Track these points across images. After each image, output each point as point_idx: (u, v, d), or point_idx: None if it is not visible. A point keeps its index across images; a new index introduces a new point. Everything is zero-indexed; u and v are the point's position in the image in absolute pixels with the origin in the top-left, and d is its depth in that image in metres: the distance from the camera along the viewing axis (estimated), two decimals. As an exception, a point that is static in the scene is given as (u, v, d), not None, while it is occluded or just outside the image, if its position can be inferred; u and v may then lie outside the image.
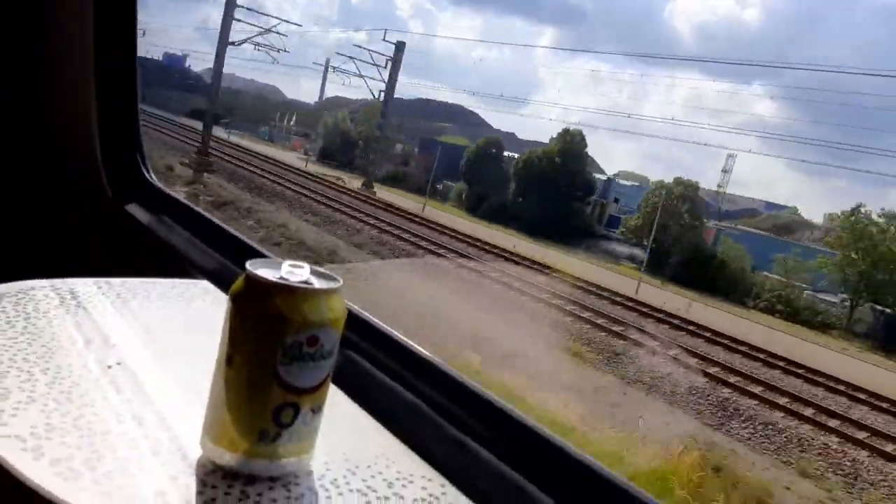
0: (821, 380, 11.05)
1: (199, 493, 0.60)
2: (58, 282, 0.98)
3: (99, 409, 0.69)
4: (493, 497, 0.68)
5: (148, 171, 1.46)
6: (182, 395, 0.76)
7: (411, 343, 0.88)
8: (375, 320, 0.91)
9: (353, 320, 0.83)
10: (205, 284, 1.10)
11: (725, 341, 12.24)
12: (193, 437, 0.66)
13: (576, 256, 20.54)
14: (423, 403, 0.81)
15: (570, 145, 24.51)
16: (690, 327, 12.74)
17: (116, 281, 1.03)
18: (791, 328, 17.40)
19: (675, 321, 13.02)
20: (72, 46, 1.47)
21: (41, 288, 0.95)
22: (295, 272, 0.64)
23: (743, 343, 12.27)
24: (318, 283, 0.63)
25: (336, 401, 0.73)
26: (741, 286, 20.43)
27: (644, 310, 13.57)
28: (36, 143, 1.52)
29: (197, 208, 1.31)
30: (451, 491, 0.68)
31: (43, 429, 0.64)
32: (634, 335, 11.33)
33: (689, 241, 21.27)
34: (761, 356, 11.73)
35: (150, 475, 0.61)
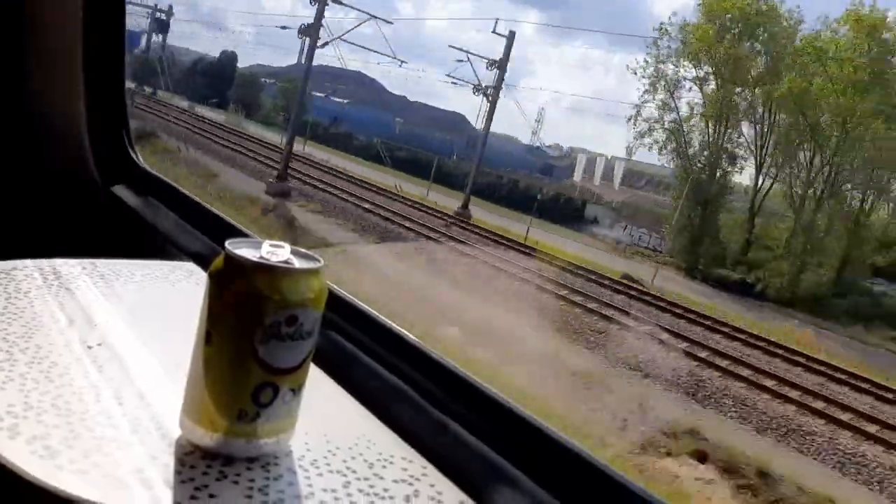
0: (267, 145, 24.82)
1: (178, 472, 0.60)
2: (42, 262, 0.97)
3: (78, 389, 0.69)
4: (474, 478, 0.68)
5: (135, 153, 1.45)
6: (164, 376, 0.75)
7: (393, 324, 0.87)
8: (357, 301, 0.91)
9: (335, 301, 0.83)
10: (189, 266, 1.10)
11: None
12: (173, 417, 0.66)
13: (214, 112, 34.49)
14: (405, 385, 0.80)
15: (225, 59, 40.70)
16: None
17: (101, 262, 1.02)
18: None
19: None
20: (59, 26, 1.45)
21: (24, 268, 0.94)
22: (275, 252, 0.63)
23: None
24: (298, 263, 0.63)
25: (317, 382, 0.73)
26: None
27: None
28: (22, 123, 1.50)
29: (184, 190, 1.30)
30: (432, 472, 0.68)
31: (21, 408, 0.64)
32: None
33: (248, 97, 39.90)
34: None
35: (128, 454, 0.61)
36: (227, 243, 0.62)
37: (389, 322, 0.88)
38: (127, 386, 0.72)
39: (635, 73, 24.25)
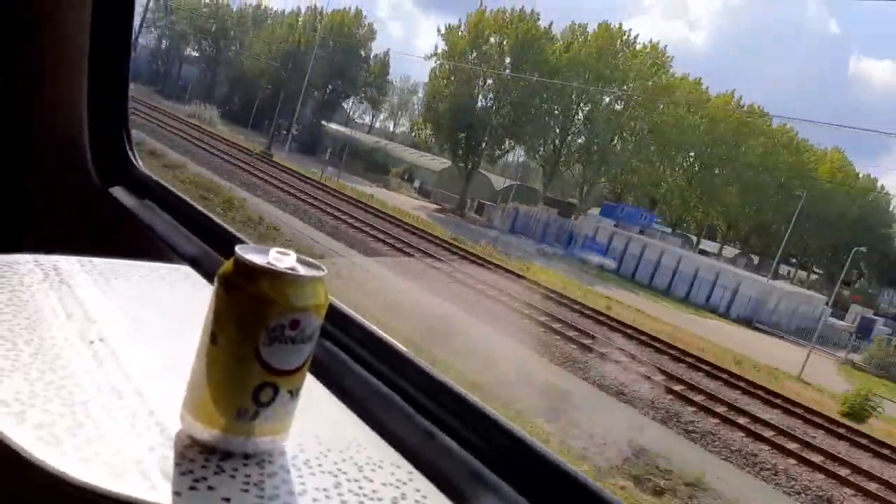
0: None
1: (177, 464, 0.62)
2: (42, 257, 0.99)
3: (81, 381, 0.71)
4: (458, 485, 0.71)
5: (134, 156, 1.47)
6: (161, 373, 0.78)
7: (386, 336, 0.90)
8: (350, 311, 0.94)
9: (331, 312, 0.86)
10: (186, 269, 1.12)
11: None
12: (171, 412, 0.68)
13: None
14: (395, 394, 0.84)
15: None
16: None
17: (99, 260, 1.04)
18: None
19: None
20: (65, 26, 1.47)
21: (25, 262, 0.97)
22: (282, 258, 0.66)
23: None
24: (303, 271, 0.66)
25: (312, 389, 0.76)
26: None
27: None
28: (24, 122, 1.52)
29: (182, 195, 1.33)
30: (418, 477, 0.71)
31: (27, 395, 0.66)
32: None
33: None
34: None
35: (129, 445, 0.63)
36: (237, 248, 0.65)
37: (380, 332, 0.91)
38: (126, 381, 0.74)
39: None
